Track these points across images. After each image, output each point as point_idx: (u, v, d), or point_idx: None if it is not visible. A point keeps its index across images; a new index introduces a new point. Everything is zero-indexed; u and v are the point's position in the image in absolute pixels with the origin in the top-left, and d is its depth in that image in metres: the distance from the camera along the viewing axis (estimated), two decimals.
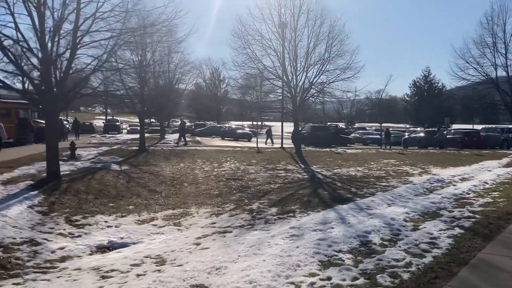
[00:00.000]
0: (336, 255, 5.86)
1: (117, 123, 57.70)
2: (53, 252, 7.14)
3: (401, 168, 18.27)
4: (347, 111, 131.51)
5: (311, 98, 23.63)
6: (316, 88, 22.87)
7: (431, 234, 6.90)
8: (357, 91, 24.57)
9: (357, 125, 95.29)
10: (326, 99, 24.25)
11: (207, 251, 6.80)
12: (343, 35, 22.08)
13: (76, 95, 12.45)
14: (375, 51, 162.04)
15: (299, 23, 22.22)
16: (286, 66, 22.58)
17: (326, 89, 22.81)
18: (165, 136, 40.09)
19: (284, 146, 30.69)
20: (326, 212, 9.34)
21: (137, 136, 45.61)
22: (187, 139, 33.05)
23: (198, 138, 44.44)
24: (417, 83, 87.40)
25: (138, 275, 5.66)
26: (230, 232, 8.30)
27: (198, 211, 10.42)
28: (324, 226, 7.70)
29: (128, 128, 59.40)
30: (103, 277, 5.68)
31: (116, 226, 8.94)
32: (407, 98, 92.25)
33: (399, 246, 6.23)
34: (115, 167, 15.96)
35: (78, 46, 11.73)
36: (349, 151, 26.53)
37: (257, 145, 27.77)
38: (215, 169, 16.96)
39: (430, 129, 42.22)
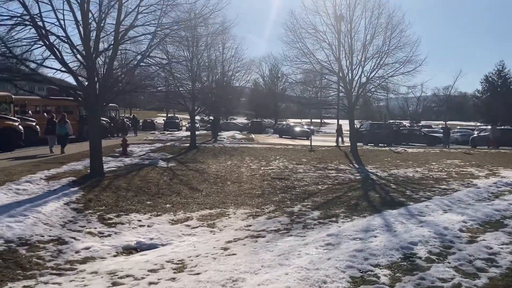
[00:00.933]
0: (371, 271, 5.08)
1: (177, 121, 58.91)
2: (77, 252, 6.91)
3: (465, 170, 16.74)
4: (413, 108, 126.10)
5: (367, 94, 22.35)
6: (373, 83, 21.60)
7: (490, 248, 5.90)
8: (417, 86, 22.61)
9: (422, 123, 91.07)
10: (384, 94, 22.91)
11: (232, 258, 6.25)
12: (402, 26, 20.67)
13: (120, 91, 12.40)
14: (443, 44, 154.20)
15: (355, 14, 21.09)
16: (341, 60, 21.53)
17: (383, 84, 21.46)
18: (219, 133, 40.13)
19: (340, 144, 29.61)
20: (372, 217, 8.47)
21: (197, 133, 46.59)
22: (238, 134, 32.80)
23: (252, 135, 44.16)
24: (490, 78, 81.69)
25: (150, 283, 5.22)
26: (263, 237, 7.69)
27: (236, 211, 9.91)
28: (366, 234, 6.89)
29: (188, 125, 60.34)
30: (114, 284, 5.29)
31: (148, 226, 8.64)
32: (478, 95, 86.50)
33: (449, 262, 5.33)
34: (162, 163, 15.87)
35: (121, 41, 11.62)
36: (410, 150, 24.97)
37: (310, 143, 26.88)
38: (262, 168, 16.41)
39: (503, 127, 39.04)
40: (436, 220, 7.68)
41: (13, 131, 20.87)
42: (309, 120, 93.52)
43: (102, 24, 11.09)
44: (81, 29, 10.84)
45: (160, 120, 69.12)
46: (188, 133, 43.32)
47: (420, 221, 7.76)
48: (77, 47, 11.14)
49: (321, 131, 75.19)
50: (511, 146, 30.70)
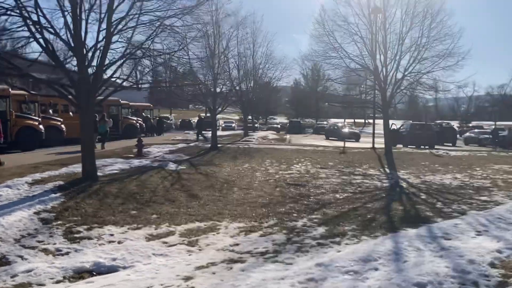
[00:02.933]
0: None
1: None
2: (13, 276, 5.81)
3: None
4: (465, 108, 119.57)
5: (403, 91, 20.36)
6: (410, 79, 19.63)
7: None
8: (459, 82, 20.11)
9: (473, 123, 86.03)
10: (422, 91, 20.82)
11: None
12: (443, 15, 18.61)
13: (116, 88, 11.39)
14: (499, 39, 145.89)
15: (389, 3, 19.22)
16: (375, 54, 19.72)
17: (422, 79, 19.43)
18: (250, 133, 38.90)
19: (376, 146, 27.61)
20: (381, 240, 6.89)
21: (227, 132, 45.66)
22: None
23: (287, 136, 42.61)
24: None
25: None
26: (243, 262, 6.31)
27: (229, 225, 8.56)
28: (364, 266, 5.36)
29: (223, 125, 59.67)
30: None
31: (119, 242, 7.45)
32: None
33: None
34: (171, 166, 14.81)
35: (114, 32, 10.57)
36: (453, 153, 22.69)
37: (344, 144, 25.10)
38: (280, 172, 14.99)
39: None
40: (462, 248, 6.02)
41: (33, 130, 20.61)
42: (352, 120, 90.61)
43: (90, 12, 10.06)
44: (67, 16, 9.86)
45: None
46: (220, 133, 42.60)
47: (442, 247, 6.12)
48: (63, 37, 10.16)
49: (365, 132, 71.97)
50: None
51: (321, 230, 8.05)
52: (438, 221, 8.24)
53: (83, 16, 10.36)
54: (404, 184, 13.26)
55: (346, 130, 43.35)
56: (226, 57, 20.77)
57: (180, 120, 64.84)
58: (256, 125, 61.47)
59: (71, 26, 10.09)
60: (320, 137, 46.49)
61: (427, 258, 5.57)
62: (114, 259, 6.67)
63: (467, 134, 43.81)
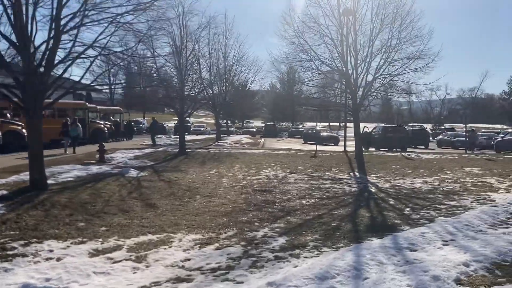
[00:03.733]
0: None
1: (188, 124, 57.24)
2: None
3: (484, 180, 14.41)
4: (438, 111, 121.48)
5: (374, 94, 20.08)
6: (380, 81, 19.35)
7: None
8: (430, 84, 19.89)
9: (446, 126, 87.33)
10: (394, 93, 20.58)
11: None
12: (412, 16, 18.39)
13: (68, 89, 10.63)
14: (469, 44, 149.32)
15: (359, 4, 18.91)
16: (345, 56, 19.36)
17: (392, 82, 19.16)
18: (223, 137, 38.22)
19: (349, 149, 27.34)
20: (343, 252, 6.39)
21: (199, 137, 44.86)
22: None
23: (262, 140, 42.09)
24: None
25: None
26: (190, 281, 5.73)
27: (184, 238, 7.93)
28: (320, 285, 4.83)
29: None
30: None
31: (58, 259, 6.74)
32: (505, 96, 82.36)
33: None
34: (132, 173, 14.06)
35: (64, 30, 9.83)
36: (424, 156, 22.55)
37: (316, 148, 24.71)
38: (248, 177, 14.43)
39: None
40: (427, 261, 5.56)
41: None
42: (326, 124, 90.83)
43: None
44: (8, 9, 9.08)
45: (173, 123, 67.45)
46: (194, 138, 41.82)
47: (406, 261, 5.66)
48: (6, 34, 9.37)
49: (341, 135, 71.79)
50: None
51: (282, 241, 7.51)
52: (405, 230, 7.81)
53: (30, 11, 9.60)
54: (373, 189, 12.87)
55: (325, 133, 43.13)
56: (196, 58, 20.04)
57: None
58: (231, 129, 60.84)
59: (13, 21, 9.31)
60: (295, 140, 46.06)
61: (389, 274, 5.08)
62: (47, 280, 5.97)
63: (440, 136, 44.11)
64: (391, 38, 18.04)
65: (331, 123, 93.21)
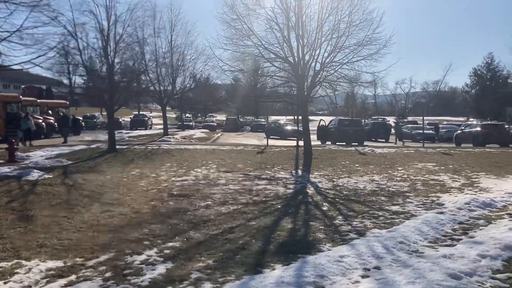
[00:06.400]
0: None
1: (145, 118, 54.65)
2: None
3: (436, 178, 12.99)
4: (403, 104, 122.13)
5: (323, 83, 18.46)
6: (330, 70, 17.73)
7: None
8: (381, 72, 18.13)
9: (410, 118, 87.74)
10: (343, 84, 19.03)
11: None
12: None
13: None
14: (432, 38, 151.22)
15: None
16: (292, 42, 17.68)
17: (342, 70, 17.56)
18: (175, 132, 36.10)
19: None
20: None
21: (150, 132, 42.50)
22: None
23: (217, 135, 40.08)
24: (478, 72, 78.22)
25: None
26: None
27: (36, 267, 5.96)
28: None
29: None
30: None
31: None
32: (467, 89, 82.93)
33: None
34: (34, 175, 11.95)
35: None
36: (379, 150, 21.14)
37: (267, 143, 23.02)
38: (172, 179, 12.55)
39: (490, 122, 35.36)
40: None
41: None
42: (292, 118, 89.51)
43: None
44: None
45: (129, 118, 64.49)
46: (144, 132, 39.31)
47: None
48: None
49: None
50: (497, 143, 27.02)
51: (161, 270, 5.70)
52: (324, 250, 6.12)
53: None
54: (310, 190, 11.21)
55: (289, 127, 39.60)
56: (127, 43, 17.86)
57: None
58: (191, 123, 58.59)
59: None
60: (256, 135, 44.19)
61: None
62: None
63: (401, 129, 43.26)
64: (339, 21, 16.40)
65: (298, 117, 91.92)
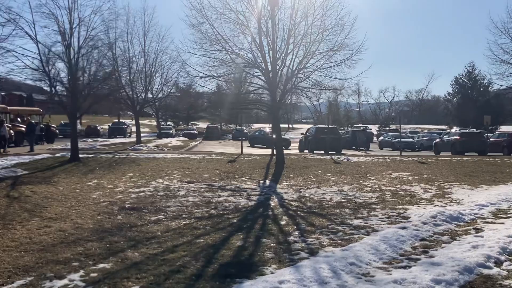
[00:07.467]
0: None
1: (124, 126, 53.50)
2: None
3: (408, 188, 12.48)
4: (387, 112, 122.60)
5: (296, 89, 17.91)
6: (302, 76, 17.19)
7: None
8: (353, 78, 17.40)
9: (392, 127, 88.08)
10: (314, 91, 18.48)
11: None
12: (336, 3, 16.39)
13: None
14: (415, 47, 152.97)
15: None
16: (263, 47, 17.13)
17: (313, 77, 17.03)
18: (150, 140, 35.25)
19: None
20: None
21: (125, 140, 41.49)
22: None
23: (194, 143, 39.28)
24: (460, 80, 78.70)
25: None
26: None
27: None
28: None
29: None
30: None
31: None
32: (449, 97, 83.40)
33: None
34: None
35: None
36: (355, 159, 20.65)
37: (241, 151, 22.37)
38: (130, 190, 11.82)
39: (468, 130, 35.23)
40: None
41: None
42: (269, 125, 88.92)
43: None
44: None
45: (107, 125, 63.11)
46: (121, 141, 38.18)
47: None
48: None
49: (290, 138, 69.31)
50: (476, 151, 26.79)
51: None
52: (266, 273, 5.45)
53: None
54: (273, 202, 10.56)
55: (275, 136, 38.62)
56: (93, 47, 17.06)
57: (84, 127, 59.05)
58: (171, 131, 57.61)
59: None
60: (236, 143, 43.36)
61: None
62: None
63: (381, 138, 43.00)
64: (309, 26, 15.88)
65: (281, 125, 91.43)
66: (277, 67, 17.03)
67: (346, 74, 17.11)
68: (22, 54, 15.23)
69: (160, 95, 35.08)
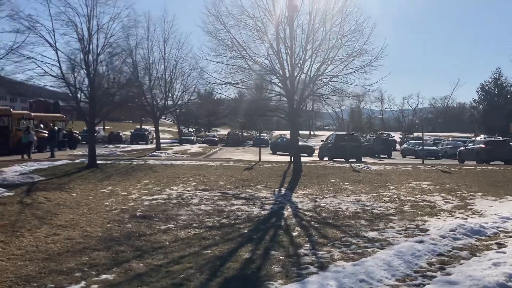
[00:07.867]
0: None
1: (146, 133, 54.07)
2: None
3: (428, 199, 12.01)
4: (410, 119, 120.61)
5: (315, 96, 17.62)
6: (320, 83, 16.91)
7: None
8: (373, 85, 16.86)
9: (416, 134, 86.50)
10: (334, 98, 18.18)
11: None
12: (354, 9, 16.09)
13: None
14: (440, 53, 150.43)
15: None
16: (281, 54, 16.93)
17: (332, 84, 16.72)
18: (169, 147, 35.35)
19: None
20: None
21: (146, 146, 41.74)
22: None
23: (214, 149, 39.25)
24: (486, 87, 76.97)
25: None
26: None
27: None
28: None
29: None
30: None
31: None
32: (474, 104, 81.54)
33: None
34: None
35: None
36: (375, 167, 20.17)
37: (259, 158, 22.13)
38: (143, 197, 11.72)
39: (493, 138, 34.11)
40: None
41: None
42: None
43: None
44: None
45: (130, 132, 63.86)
46: (140, 147, 38.39)
47: None
48: None
49: (314, 145, 68.37)
50: (501, 160, 25.88)
51: None
52: None
53: None
54: (287, 212, 10.29)
55: (299, 143, 37.88)
56: (112, 54, 17.18)
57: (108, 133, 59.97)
58: (192, 137, 57.85)
59: None
60: (257, 150, 43.15)
61: None
62: None
63: (404, 145, 42.10)
64: (328, 32, 15.62)
65: (300, 132, 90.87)
66: (295, 74, 16.79)
67: (365, 80, 16.77)
68: (42, 61, 15.43)
69: (180, 102, 35.30)
